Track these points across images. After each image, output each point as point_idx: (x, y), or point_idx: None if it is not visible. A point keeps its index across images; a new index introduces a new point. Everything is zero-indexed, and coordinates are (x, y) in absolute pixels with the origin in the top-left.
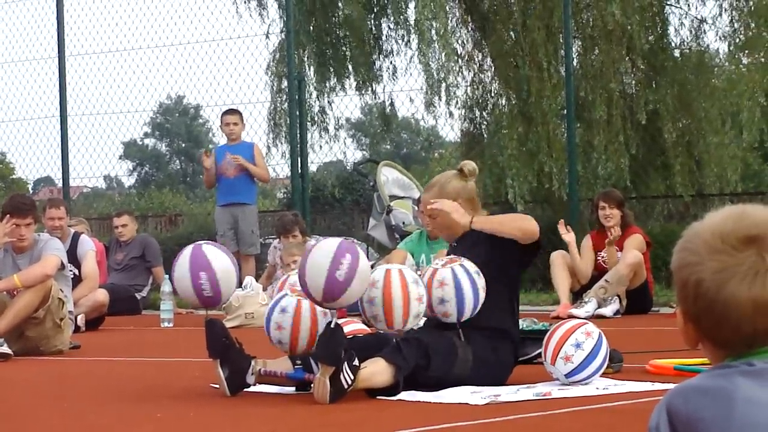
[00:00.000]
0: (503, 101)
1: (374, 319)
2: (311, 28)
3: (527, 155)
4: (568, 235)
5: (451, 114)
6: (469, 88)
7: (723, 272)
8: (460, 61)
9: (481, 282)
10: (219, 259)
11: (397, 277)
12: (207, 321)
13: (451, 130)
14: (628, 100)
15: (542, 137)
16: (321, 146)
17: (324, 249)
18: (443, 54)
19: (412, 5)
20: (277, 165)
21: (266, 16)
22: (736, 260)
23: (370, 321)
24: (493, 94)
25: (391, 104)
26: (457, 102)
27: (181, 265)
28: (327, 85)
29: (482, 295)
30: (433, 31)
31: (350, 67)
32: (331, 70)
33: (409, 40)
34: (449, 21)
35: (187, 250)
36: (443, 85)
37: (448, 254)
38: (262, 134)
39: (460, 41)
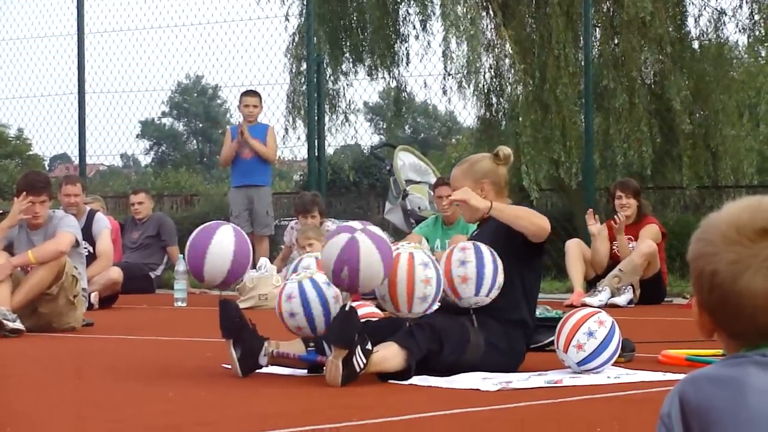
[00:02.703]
0: (521, 88)
1: (383, 300)
2: (330, 11)
3: (543, 143)
4: (595, 226)
5: (468, 100)
6: (487, 74)
7: (738, 263)
8: (479, 47)
9: (500, 263)
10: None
11: (405, 259)
12: (221, 301)
13: (468, 116)
14: (648, 90)
15: (557, 125)
16: (338, 129)
17: (327, 251)
18: (465, 39)
19: None
20: (295, 147)
21: None
22: (752, 252)
23: (380, 302)
24: (511, 81)
25: (404, 89)
26: (476, 88)
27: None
28: (345, 68)
29: (501, 276)
30: (460, 16)
31: (368, 51)
32: (349, 53)
33: (426, 26)
34: (470, 7)
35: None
36: (464, 70)
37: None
38: (280, 116)
39: (480, 27)
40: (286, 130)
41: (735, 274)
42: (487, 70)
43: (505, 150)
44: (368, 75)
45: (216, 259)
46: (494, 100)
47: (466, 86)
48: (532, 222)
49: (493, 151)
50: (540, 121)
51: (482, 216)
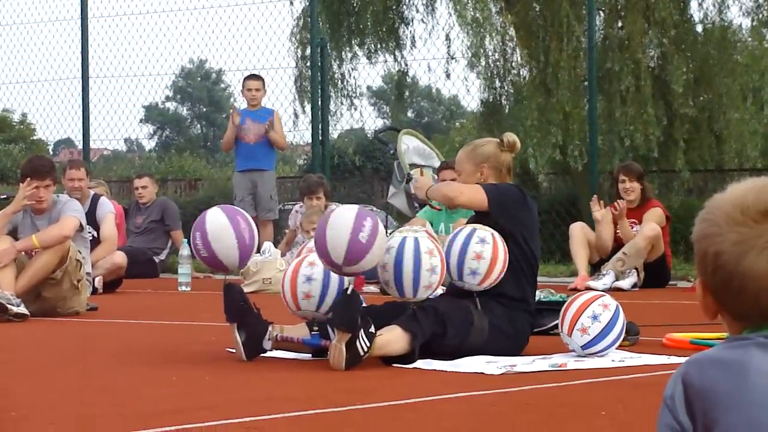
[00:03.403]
0: (525, 71)
1: (386, 285)
2: None
3: (548, 126)
4: (600, 212)
5: (472, 83)
6: (491, 58)
7: (742, 244)
8: (483, 30)
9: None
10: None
11: (411, 245)
12: (225, 285)
13: (472, 99)
14: (651, 73)
15: (562, 108)
16: (342, 113)
17: (344, 213)
18: (469, 23)
19: None
20: (306, 131)
21: None
22: (756, 232)
23: (419, 291)
24: (514, 65)
25: (407, 73)
26: (480, 72)
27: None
28: (349, 52)
29: (505, 264)
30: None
31: (372, 34)
32: (353, 37)
33: (430, 8)
34: None
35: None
36: (467, 53)
37: (468, 223)
38: (284, 100)
39: (484, 11)
40: (296, 114)
41: (739, 254)
42: (491, 53)
43: (510, 137)
44: (369, 59)
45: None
46: (498, 83)
47: (470, 70)
48: (443, 194)
49: (499, 137)
50: (545, 105)
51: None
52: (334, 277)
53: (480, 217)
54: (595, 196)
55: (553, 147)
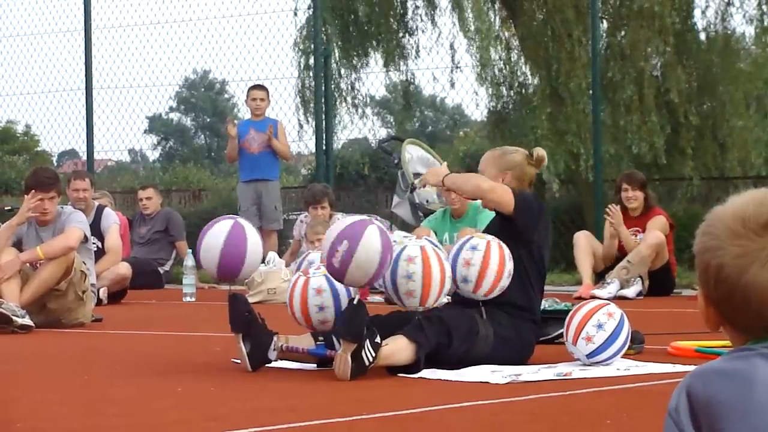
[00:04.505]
0: (531, 81)
1: (408, 295)
2: (338, 4)
3: (559, 135)
4: (615, 218)
5: (477, 93)
6: (496, 67)
7: (744, 257)
8: (487, 39)
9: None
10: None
11: (433, 254)
12: (230, 295)
13: (476, 108)
14: (655, 82)
15: (571, 117)
16: (346, 123)
17: (328, 233)
18: (474, 32)
19: None
20: (310, 141)
21: None
22: (758, 245)
23: (402, 297)
24: (520, 74)
25: (412, 82)
26: (484, 80)
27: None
28: (353, 62)
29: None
30: (469, 10)
31: (376, 44)
32: (357, 47)
33: (432, 19)
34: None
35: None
36: (471, 63)
37: (486, 230)
38: (288, 110)
39: (487, 21)
40: (301, 124)
41: (741, 268)
42: (497, 62)
43: (540, 152)
44: (374, 67)
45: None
46: (505, 92)
47: (476, 80)
48: (473, 184)
49: (529, 150)
50: (557, 114)
51: (461, 200)
52: (342, 294)
53: (500, 224)
54: (611, 204)
55: (566, 156)
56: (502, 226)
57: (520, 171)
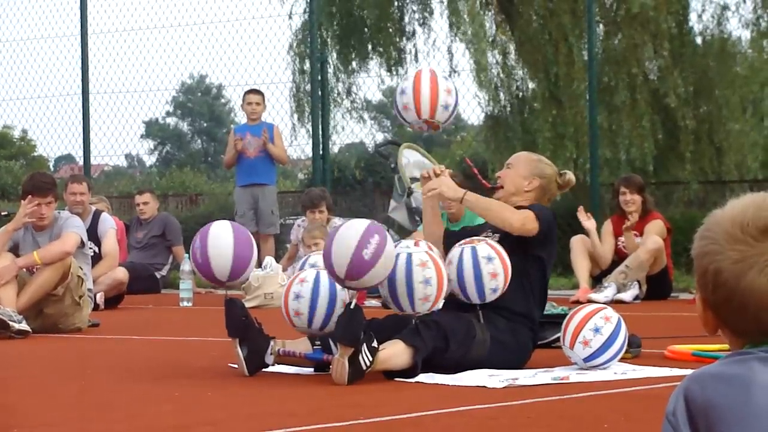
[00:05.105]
0: (528, 85)
1: (424, 300)
2: (334, 9)
3: (561, 139)
4: (589, 222)
5: (475, 96)
6: (493, 72)
7: (742, 262)
8: (484, 44)
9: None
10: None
11: (402, 260)
12: (227, 300)
13: (473, 113)
14: (651, 86)
15: (569, 122)
16: (343, 127)
17: (353, 226)
18: (471, 35)
19: None
20: (307, 146)
21: None
22: (756, 250)
23: (415, 303)
24: (517, 78)
25: None
26: (481, 85)
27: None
28: (349, 66)
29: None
30: (465, 14)
31: (372, 48)
32: (353, 51)
33: (428, 24)
34: (472, 5)
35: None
36: (468, 67)
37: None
38: (284, 114)
39: (484, 24)
40: (295, 128)
41: (739, 273)
42: (493, 66)
43: (570, 176)
44: (368, 72)
45: (218, 253)
46: (502, 96)
47: (472, 83)
48: (501, 217)
49: (561, 170)
50: (557, 118)
51: (458, 205)
52: (323, 293)
53: (514, 236)
54: (581, 207)
55: (566, 160)
56: (514, 238)
57: (546, 184)
